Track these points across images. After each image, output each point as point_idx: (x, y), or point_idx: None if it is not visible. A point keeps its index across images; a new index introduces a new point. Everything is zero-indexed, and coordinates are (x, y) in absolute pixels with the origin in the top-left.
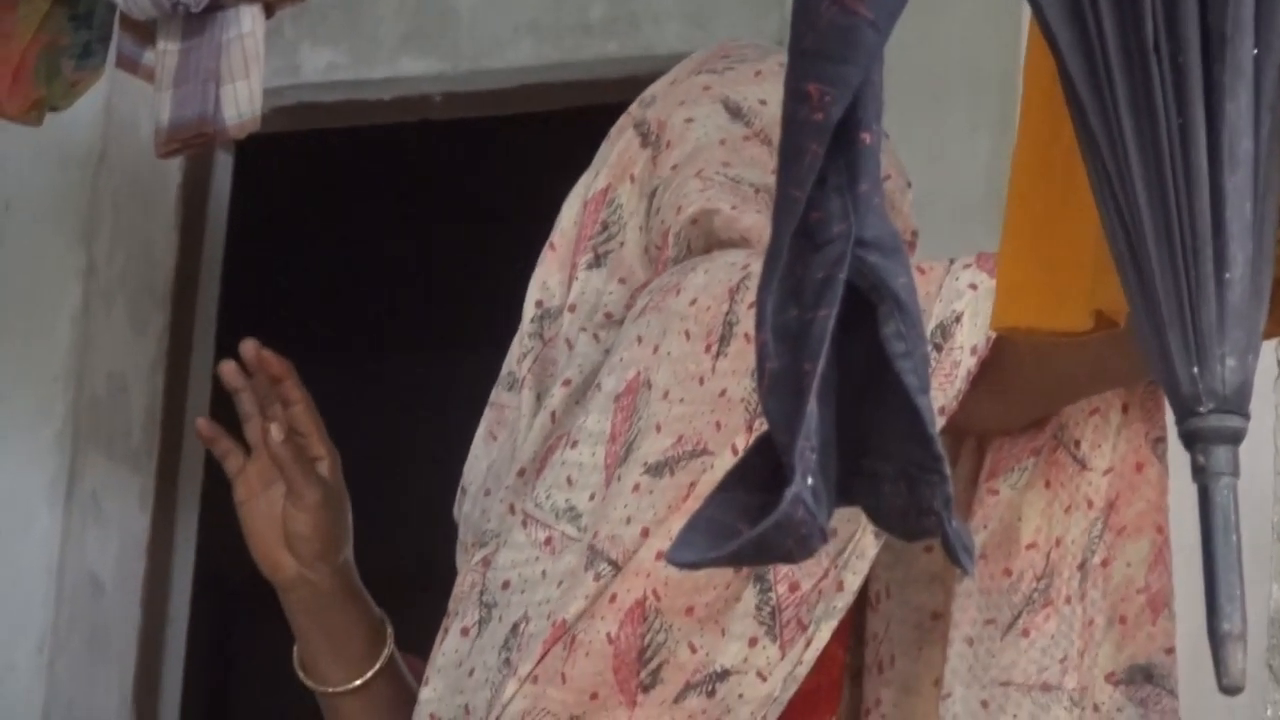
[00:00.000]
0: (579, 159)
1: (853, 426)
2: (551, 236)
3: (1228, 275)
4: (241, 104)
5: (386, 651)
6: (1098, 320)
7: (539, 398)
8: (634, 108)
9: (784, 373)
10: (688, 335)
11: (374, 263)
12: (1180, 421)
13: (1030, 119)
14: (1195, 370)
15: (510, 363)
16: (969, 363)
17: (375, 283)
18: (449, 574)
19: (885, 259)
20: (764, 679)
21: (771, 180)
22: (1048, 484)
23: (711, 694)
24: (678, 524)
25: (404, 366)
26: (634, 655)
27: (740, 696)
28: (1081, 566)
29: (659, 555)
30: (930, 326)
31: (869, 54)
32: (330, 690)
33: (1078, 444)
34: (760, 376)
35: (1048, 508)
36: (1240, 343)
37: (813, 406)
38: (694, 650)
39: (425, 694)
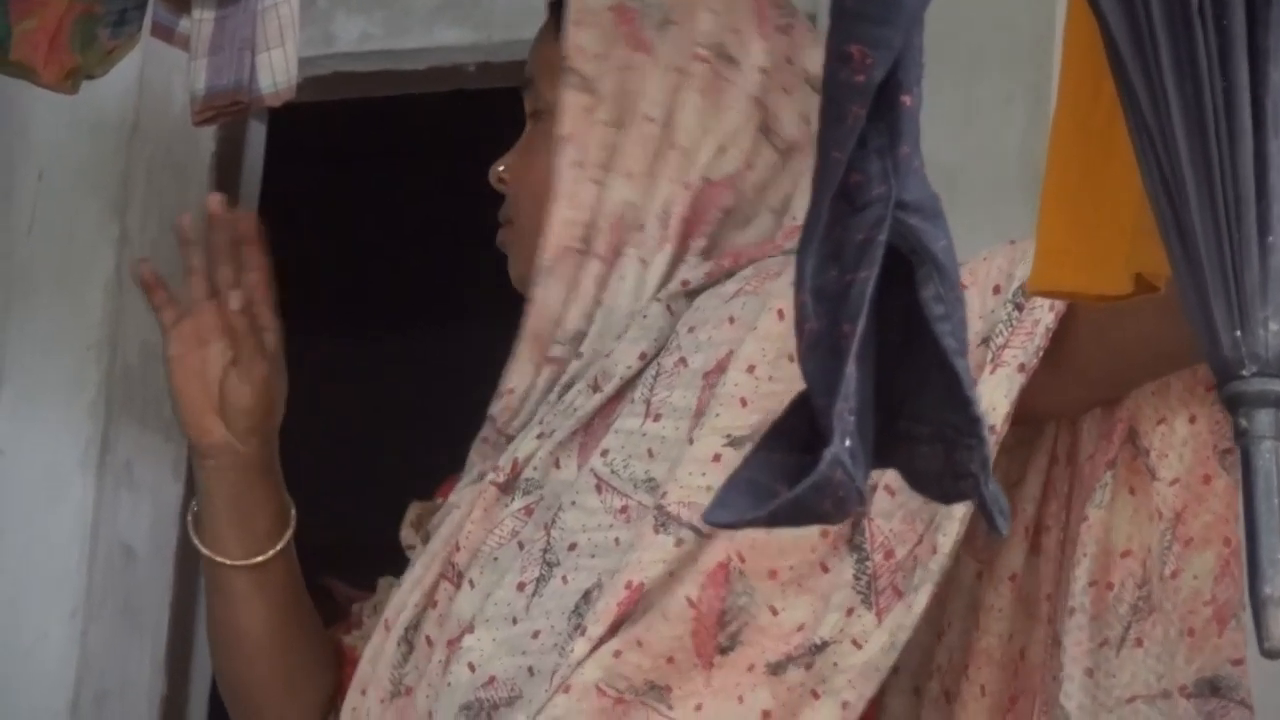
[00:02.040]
0: None
1: (890, 389)
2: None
3: (1271, 239)
4: (277, 73)
5: (289, 533)
6: (1138, 284)
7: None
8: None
9: (823, 334)
10: (781, 315)
11: (407, 233)
12: (1222, 385)
13: (1070, 82)
14: (1238, 334)
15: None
16: (1048, 320)
17: (408, 253)
18: None
19: (925, 221)
20: (859, 647)
21: None
22: (1132, 490)
23: (810, 667)
24: None
25: (436, 337)
26: (714, 619)
27: (835, 665)
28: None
29: None
30: (1013, 287)
31: (910, 16)
32: (227, 563)
33: (1147, 453)
34: (799, 337)
35: (1135, 514)
36: None
37: (851, 368)
38: (775, 613)
39: (470, 642)
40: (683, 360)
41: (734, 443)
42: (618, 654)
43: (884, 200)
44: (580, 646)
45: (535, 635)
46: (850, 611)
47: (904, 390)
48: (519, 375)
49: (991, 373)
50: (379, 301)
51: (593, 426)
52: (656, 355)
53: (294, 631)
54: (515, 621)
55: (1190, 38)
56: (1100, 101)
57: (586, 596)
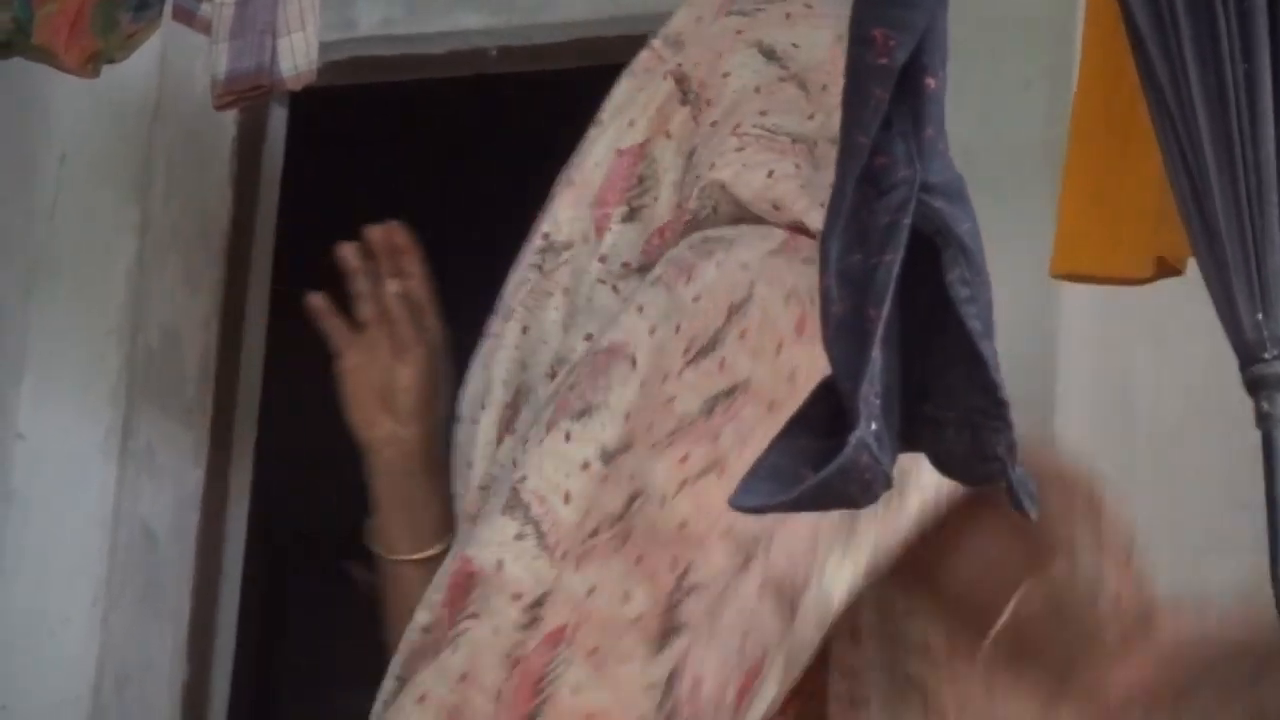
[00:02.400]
0: None
1: (915, 372)
2: (570, 172)
3: None
4: (298, 56)
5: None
6: (1159, 267)
7: (525, 330)
8: (662, 47)
9: (848, 318)
10: (678, 329)
11: (428, 217)
12: (1244, 368)
13: (1091, 65)
14: (1259, 316)
15: (505, 292)
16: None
17: (429, 237)
18: None
19: (950, 204)
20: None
21: (809, 127)
22: None
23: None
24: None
25: (459, 322)
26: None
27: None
28: None
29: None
30: None
31: None
32: (396, 558)
33: None
34: (824, 321)
35: None
36: None
37: (877, 352)
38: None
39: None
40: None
41: (604, 457)
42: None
43: (909, 183)
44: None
45: None
46: None
47: (930, 374)
48: None
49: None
50: None
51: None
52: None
53: None
54: None
55: (1212, 19)
56: (1121, 85)
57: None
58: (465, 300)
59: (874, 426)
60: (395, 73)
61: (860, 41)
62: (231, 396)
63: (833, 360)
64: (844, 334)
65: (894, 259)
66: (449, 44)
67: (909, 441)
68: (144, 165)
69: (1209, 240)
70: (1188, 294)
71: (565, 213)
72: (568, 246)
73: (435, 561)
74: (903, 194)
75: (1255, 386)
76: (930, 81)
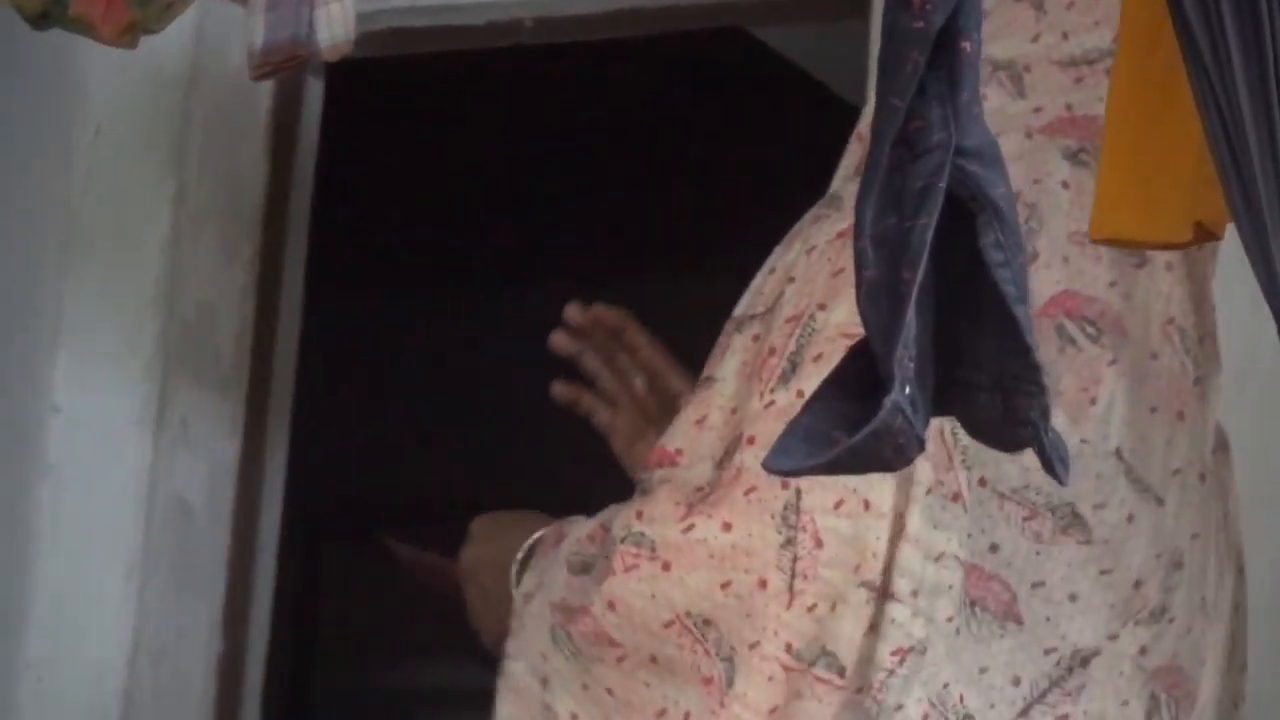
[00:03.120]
0: (672, 85)
1: (949, 337)
2: (859, 126)
3: None
4: (335, 26)
5: None
6: (1197, 232)
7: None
8: None
9: (882, 281)
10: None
11: (465, 191)
12: None
13: (1129, 28)
14: None
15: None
16: None
17: (467, 211)
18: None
19: (985, 168)
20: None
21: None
22: None
23: None
24: None
25: (495, 296)
26: None
27: None
28: None
29: None
30: None
31: None
32: None
33: None
34: (859, 284)
35: None
36: None
37: (911, 315)
38: None
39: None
40: None
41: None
42: None
43: (944, 147)
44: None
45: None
46: None
47: (963, 338)
48: None
49: None
50: (435, 258)
51: None
52: None
53: None
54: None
55: None
56: (1159, 48)
57: None
58: (503, 268)
59: (908, 390)
60: (432, 44)
61: (897, 5)
62: (267, 369)
63: (866, 323)
64: (878, 297)
65: (929, 223)
66: (486, 15)
67: (941, 406)
68: (179, 137)
69: (1247, 204)
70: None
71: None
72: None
73: None
74: (938, 158)
75: None
76: (966, 45)
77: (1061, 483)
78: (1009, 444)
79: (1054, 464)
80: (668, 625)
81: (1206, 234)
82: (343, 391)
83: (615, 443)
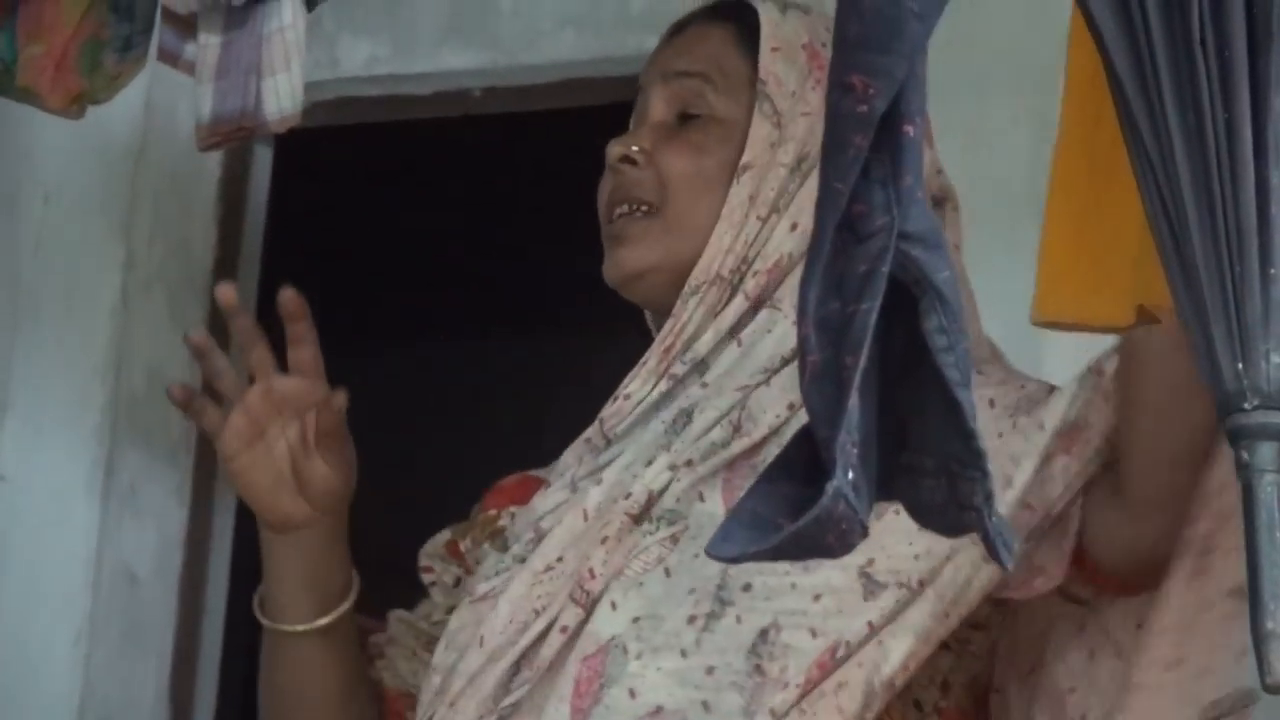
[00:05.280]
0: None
1: (894, 421)
2: None
3: (1273, 270)
4: (283, 97)
5: (356, 586)
6: (1140, 314)
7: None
8: None
9: (826, 366)
10: (992, 404)
11: (413, 257)
12: (1224, 418)
13: (1072, 110)
14: (1240, 366)
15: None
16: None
17: (414, 276)
18: None
19: (928, 252)
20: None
21: None
22: None
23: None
24: None
25: (443, 358)
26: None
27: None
28: None
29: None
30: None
31: (913, 45)
32: (300, 629)
33: None
34: (801, 369)
35: None
36: None
37: (854, 400)
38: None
39: (633, 668)
40: None
41: None
42: (818, 705)
43: (887, 231)
44: (779, 696)
45: (709, 671)
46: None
47: (907, 422)
48: (640, 382)
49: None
50: (383, 323)
51: (736, 465)
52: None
53: (358, 685)
54: (684, 654)
55: (1192, 67)
56: (1102, 129)
57: (764, 635)
58: (450, 328)
59: (850, 475)
60: (380, 113)
61: (840, 88)
62: None
63: (810, 408)
64: (821, 382)
65: (871, 307)
66: (434, 84)
67: (887, 490)
68: (129, 204)
69: (1189, 288)
70: None
71: None
72: None
73: (338, 627)
74: (880, 242)
75: (1235, 436)
76: (909, 129)
77: (1005, 567)
78: (954, 529)
79: (998, 549)
80: None
81: (1149, 316)
82: None
83: (226, 446)
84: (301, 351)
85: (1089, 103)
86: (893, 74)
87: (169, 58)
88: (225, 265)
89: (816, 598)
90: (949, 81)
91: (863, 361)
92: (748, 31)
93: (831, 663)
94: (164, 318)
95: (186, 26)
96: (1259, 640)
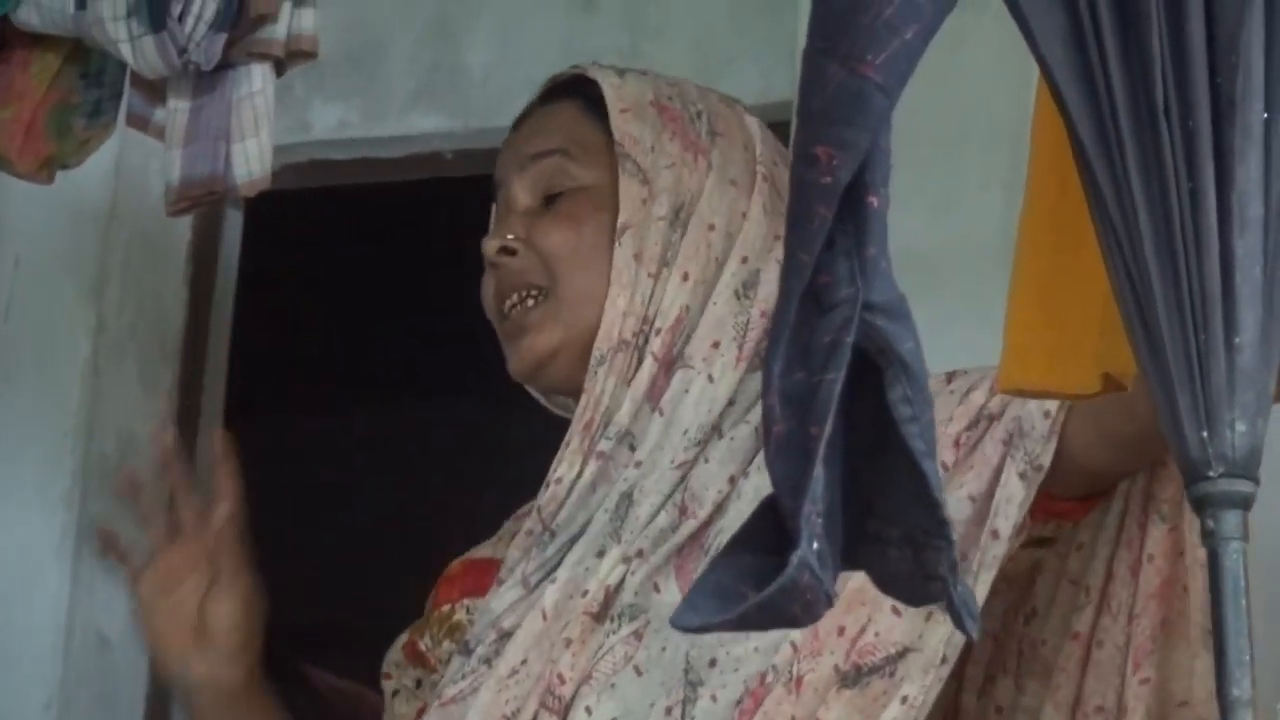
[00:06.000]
0: None
1: (859, 490)
2: None
3: (1237, 339)
4: (252, 162)
5: None
6: (1106, 382)
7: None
8: None
9: (790, 436)
10: None
11: (383, 320)
12: (1189, 485)
13: (1038, 177)
14: (1204, 434)
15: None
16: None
17: (384, 339)
18: None
19: (893, 323)
20: (931, 649)
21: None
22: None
23: (892, 674)
24: None
25: (412, 418)
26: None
27: (909, 673)
28: None
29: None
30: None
31: (877, 118)
32: None
33: None
34: (766, 440)
35: None
36: (1250, 407)
37: (819, 470)
38: (878, 635)
39: None
40: None
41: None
42: None
43: (851, 301)
44: None
45: None
46: (930, 616)
47: (873, 492)
48: (568, 465)
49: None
50: (355, 384)
51: (685, 550)
52: (740, 478)
53: None
54: None
55: (1156, 137)
56: (1068, 197)
57: (738, 705)
58: (419, 391)
59: (815, 545)
60: (351, 176)
61: (804, 160)
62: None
63: (775, 478)
64: (786, 452)
65: (836, 377)
66: (405, 147)
67: (852, 559)
68: (99, 268)
69: (1153, 356)
70: None
71: None
72: None
73: None
74: (845, 313)
75: (1201, 504)
76: (873, 200)
77: (971, 638)
78: (918, 598)
79: (963, 619)
80: None
81: (1114, 384)
82: (262, 519)
83: (145, 584)
84: (227, 503)
85: (1054, 170)
86: (857, 145)
87: (138, 123)
88: (196, 328)
89: (778, 650)
90: (920, 143)
91: (827, 432)
92: (591, 103)
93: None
94: (134, 381)
95: (156, 92)
96: (1225, 708)
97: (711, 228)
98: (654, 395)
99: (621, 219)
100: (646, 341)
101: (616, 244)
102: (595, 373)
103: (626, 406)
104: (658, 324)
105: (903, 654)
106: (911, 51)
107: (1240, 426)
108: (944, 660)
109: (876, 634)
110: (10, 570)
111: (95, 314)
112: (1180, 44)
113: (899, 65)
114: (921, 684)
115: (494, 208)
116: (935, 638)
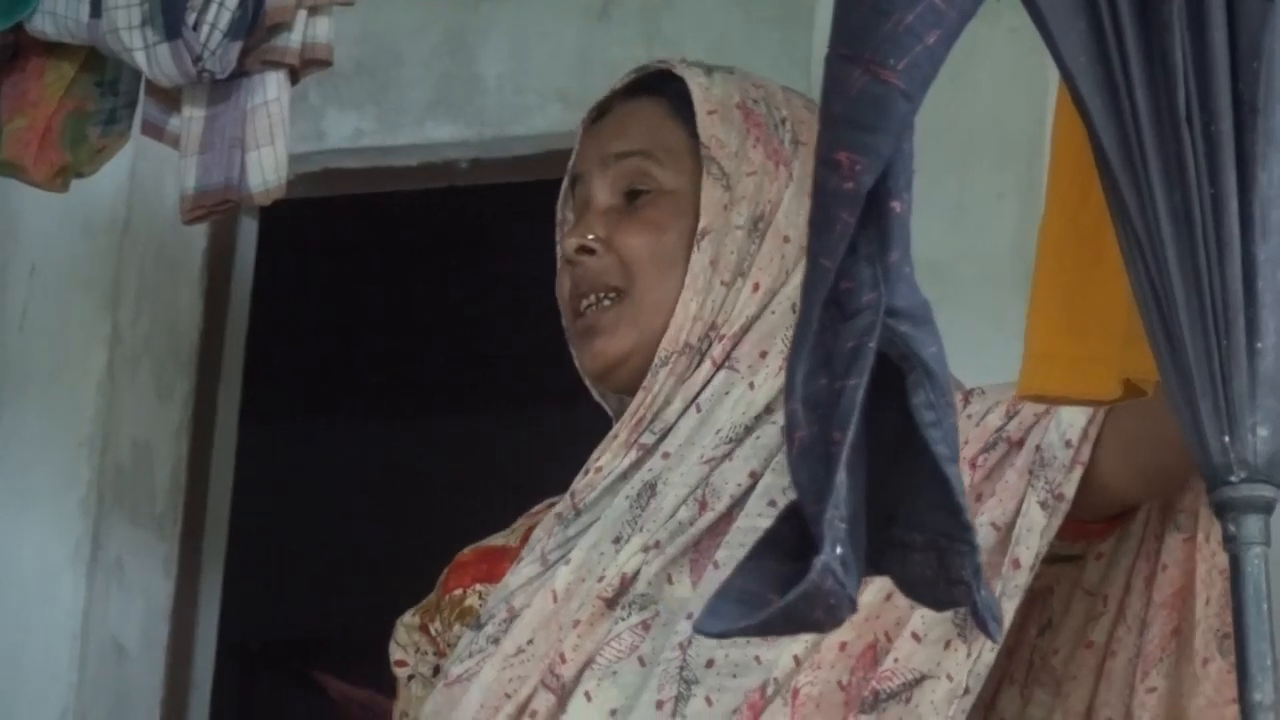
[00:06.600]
0: None
1: (882, 495)
2: None
3: (1259, 344)
4: (267, 171)
5: None
6: (1126, 388)
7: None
8: None
9: (813, 442)
10: None
11: (398, 328)
12: (1211, 490)
13: (1058, 185)
14: (1226, 439)
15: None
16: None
17: (399, 348)
18: None
19: (915, 328)
20: (951, 679)
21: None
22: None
23: (908, 701)
24: None
25: (427, 429)
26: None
27: (931, 702)
28: None
29: (889, 595)
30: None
31: (900, 122)
32: None
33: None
34: (789, 445)
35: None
36: (1272, 412)
37: (842, 476)
38: (896, 661)
39: None
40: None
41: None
42: None
43: (874, 307)
44: None
45: None
46: (949, 645)
47: (896, 497)
48: (611, 455)
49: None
50: (368, 394)
51: (702, 544)
52: (763, 474)
53: None
54: None
55: (1178, 143)
56: (1089, 204)
57: (735, 715)
58: (434, 399)
59: (839, 550)
60: (366, 184)
61: (826, 165)
62: (201, 508)
63: (798, 484)
64: (809, 458)
65: (859, 383)
66: (420, 156)
67: (876, 564)
68: (114, 277)
69: (1175, 363)
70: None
71: None
72: None
73: None
74: (868, 318)
75: (1222, 509)
76: (896, 205)
77: (994, 641)
78: (942, 602)
79: (987, 623)
80: None
81: (1135, 390)
82: (277, 528)
83: None
84: None
85: (1075, 178)
86: (879, 151)
87: (153, 131)
88: (211, 337)
89: (779, 662)
90: (934, 156)
91: (850, 437)
92: (678, 101)
93: None
94: (150, 390)
95: (171, 100)
96: (1247, 712)
97: (786, 239)
98: (699, 395)
99: (702, 223)
100: (709, 347)
101: (695, 248)
102: (657, 373)
103: (676, 405)
104: (722, 331)
105: (919, 681)
106: (934, 57)
107: (1262, 431)
108: (967, 691)
109: (895, 660)
110: (26, 579)
111: (110, 323)
112: (1202, 51)
113: (921, 70)
114: (945, 715)
115: (565, 192)
116: (959, 668)
